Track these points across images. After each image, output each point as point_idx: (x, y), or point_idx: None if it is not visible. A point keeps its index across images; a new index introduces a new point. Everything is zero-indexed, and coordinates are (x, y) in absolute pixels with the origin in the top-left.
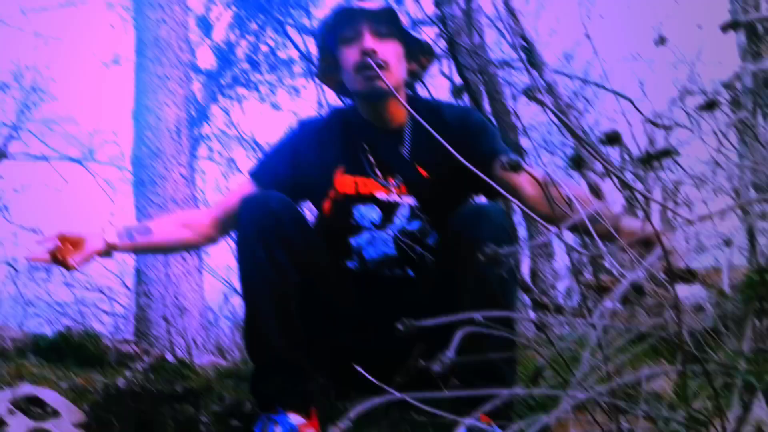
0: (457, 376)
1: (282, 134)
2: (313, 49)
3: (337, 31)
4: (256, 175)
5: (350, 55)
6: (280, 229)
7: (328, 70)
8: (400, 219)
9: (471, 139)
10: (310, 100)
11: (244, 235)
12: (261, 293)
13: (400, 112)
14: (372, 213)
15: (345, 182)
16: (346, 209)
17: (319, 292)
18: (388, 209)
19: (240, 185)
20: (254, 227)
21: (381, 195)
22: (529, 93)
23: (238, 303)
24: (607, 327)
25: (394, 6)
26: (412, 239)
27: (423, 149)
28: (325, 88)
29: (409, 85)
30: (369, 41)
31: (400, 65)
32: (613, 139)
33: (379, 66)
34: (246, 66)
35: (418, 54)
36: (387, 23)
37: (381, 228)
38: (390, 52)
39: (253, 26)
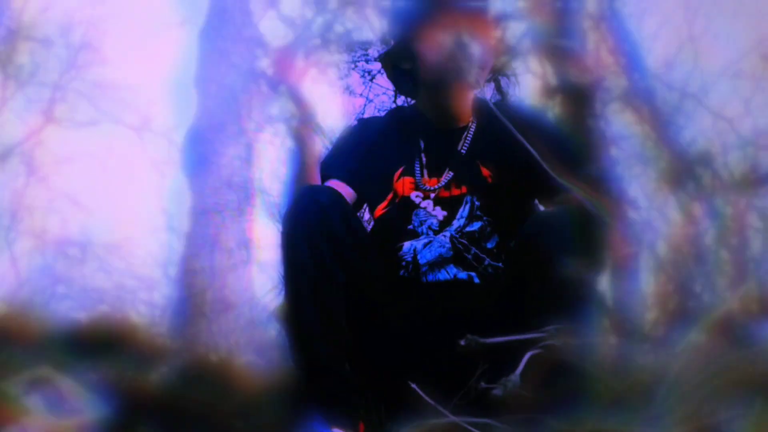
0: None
1: (343, 129)
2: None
3: (430, 16)
4: (335, 175)
5: (435, 48)
6: (328, 224)
7: (396, 53)
8: (458, 220)
9: (542, 141)
10: (385, 87)
11: (287, 229)
12: (302, 293)
13: (464, 111)
14: (431, 217)
15: (406, 184)
16: (404, 213)
17: (369, 298)
18: (448, 210)
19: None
20: (299, 221)
21: (441, 196)
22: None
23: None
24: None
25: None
26: (471, 240)
27: (486, 148)
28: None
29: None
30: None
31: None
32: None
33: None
34: (318, 43)
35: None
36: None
37: (438, 233)
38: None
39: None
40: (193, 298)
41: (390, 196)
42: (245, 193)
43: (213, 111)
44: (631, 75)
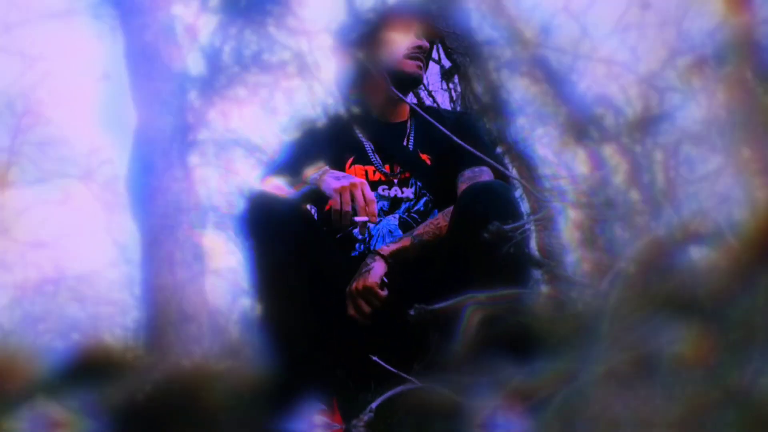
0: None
1: (281, 135)
2: (305, 48)
3: (395, 18)
4: (279, 172)
5: (406, 43)
6: (286, 225)
7: (364, 44)
8: (407, 202)
9: (465, 134)
10: (304, 101)
11: (251, 236)
12: (272, 289)
13: (403, 108)
14: (383, 200)
15: (356, 172)
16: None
17: (329, 283)
18: (396, 195)
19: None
20: (261, 227)
21: (388, 182)
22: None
23: (247, 304)
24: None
25: None
26: (419, 214)
27: (425, 140)
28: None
29: None
30: (424, 39)
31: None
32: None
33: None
34: (236, 70)
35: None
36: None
37: (389, 213)
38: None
39: (233, 31)
40: (159, 314)
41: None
42: (191, 213)
43: (147, 150)
44: (516, 47)
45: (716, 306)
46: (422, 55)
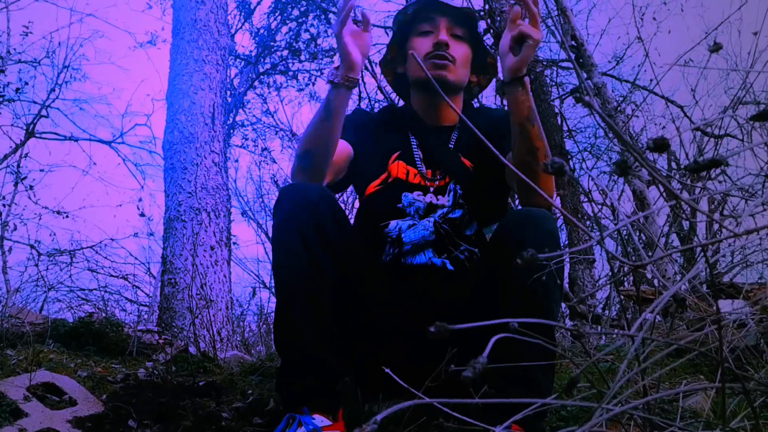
0: (491, 383)
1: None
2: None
3: (414, 23)
4: None
5: (422, 45)
6: (319, 221)
7: (393, 61)
8: (443, 208)
9: (508, 137)
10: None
11: (281, 225)
12: (295, 286)
13: (451, 113)
14: (419, 201)
15: (399, 167)
16: (395, 193)
17: (354, 289)
18: (431, 202)
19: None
20: (292, 217)
21: (429, 186)
22: (577, 94)
23: (266, 297)
24: (646, 339)
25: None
26: (452, 226)
27: (468, 145)
28: (367, 79)
29: (465, 100)
30: (444, 35)
31: (466, 68)
32: (660, 146)
33: (448, 60)
34: (285, 53)
35: (482, 67)
36: (464, 25)
37: (424, 217)
38: (460, 52)
39: (295, 12)
40: (177, 295)
41: (384, 176)
42: (220, 195)
43: (185, 123)
44: (579, 70)
45: (740, 365)
46: (444, 51)
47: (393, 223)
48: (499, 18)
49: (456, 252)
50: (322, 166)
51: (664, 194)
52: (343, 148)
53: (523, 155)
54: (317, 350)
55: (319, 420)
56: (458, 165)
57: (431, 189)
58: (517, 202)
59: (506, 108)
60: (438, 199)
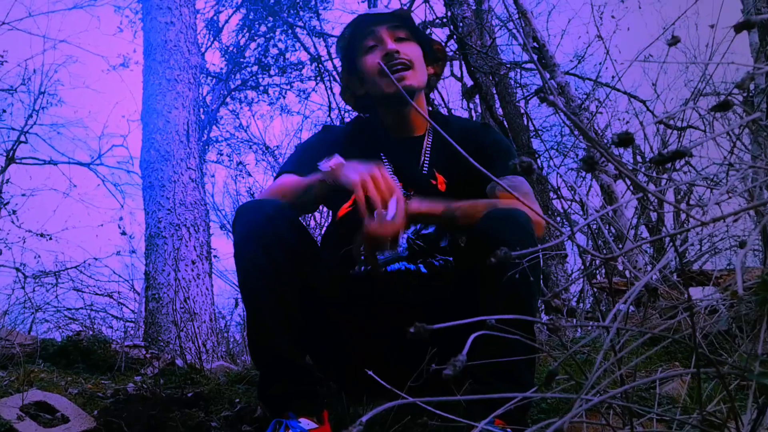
0: (473, 379)
1: (293, 138)
2: (323, 51)
3: (358, 42)
4: (291, 171)
5: (372, 60)
6: (278, 232)
7: (350, 86)
8: (414, 225)
9: (485, 152)
10: (320, 102)
11: (242, 240)
12: (262, 297)
13: (420, 121)
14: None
15: None
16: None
17: (323, 294)
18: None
19: (282, 179)
20: (252, 232)
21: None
22: (541, 94)
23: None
24: (620, 330)
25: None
26: (426, 241)
27: (441, 159)
28: (336, 90)
29: (426, 93)
30: (391, 44)
31: (422, 66)
32: (625, 140)
33: (406, 66)
34: (255, 69)
35: (433, 59)
36: (404, 27)
37: None
38: (411, 53)
39: (263, 29)
40: (161, 310)
41: (353, 198)
42: (199, 211)
43: (160, 141)
44: (542, 71)
45: (714, 350)
46: (395, 61)
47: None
48: (461, 24)
49: (430, 260)
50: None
51: (631, 187)
52: None
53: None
54: (293, 355)
55: (306, 423)
56: (427, 184)
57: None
58: None
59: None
60: None
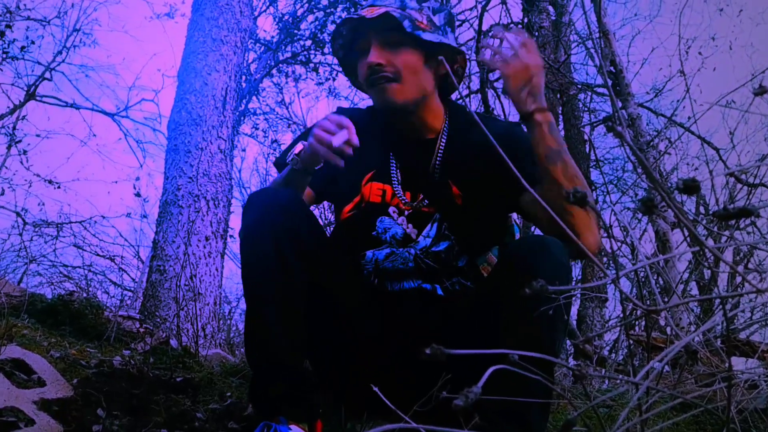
0: (481, 413)
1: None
2: None
3: (353, 43)
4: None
5: (361, 69)
6: (290, 223)
7: (357, 83)
8: (425, 239)
9: (514, 156)
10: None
11: (250, 228)
12: (265, 289)
13: (433, 121)
14: (396, 228)
15: (373, 189)
16: (369, 219)
17: (332, 299)
18: (416, 226)
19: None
20: (262, 220)
21: (407, 211)
22: (609, 123)
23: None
24: (651, 389)
25: (398, 12)
26: (437, 260)
27: (457, 163)
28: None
29: (449, 91)
30: (374, 55)
31: (416, 75)
32: (691, 187)
33: (390, 79)
34: (308, 43)
35: (444, 57)
36: (393, 31)
37: (403, 245)
38: (402, 61)
39: (324, 2)
40: (164, 283)
41: (357, 199)
42: (222, 184)
43: (194, 103)
44: (616, 98)
45: (747, 428)
46: (380, 74)
47: (369, 254)
48: (536, 33)
49: (447, 283)
50: None
51: (688, 239)
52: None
53: (551, 197)
54: (291, 358)
55: (296, 431)
56: (443, 194)
57: (406, 213)
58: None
59: (514, 120)
60: (415, 229)
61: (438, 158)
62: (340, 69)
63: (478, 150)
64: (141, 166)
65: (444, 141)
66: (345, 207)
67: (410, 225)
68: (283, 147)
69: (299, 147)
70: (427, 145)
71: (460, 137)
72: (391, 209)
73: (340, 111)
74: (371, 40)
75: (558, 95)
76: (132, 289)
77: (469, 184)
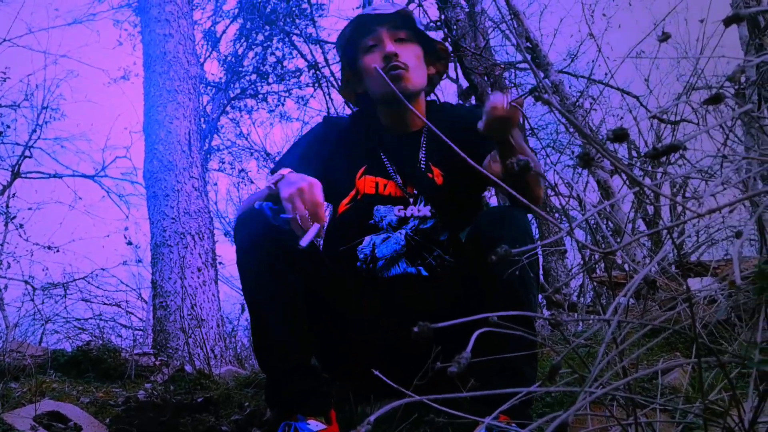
0: (477, 376)
1: (303, 131)
2: (320, 58)
3: (358, 41)
4: (289, 166)
5: (372, 61)
6: (277, 239)
7: (350, 83)
8: (414, 219)
9: (477, 136)
10: (318, 109)
11: (243, 248)
12: (265, 302)
13: (416, 117)
14: (390, 214)
15: (367, 182)
16: (366, 209)
17: (327, 298)
18: (405, 212)
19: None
20: (252, 239)
21: (399, 198)
22: (536, 93)
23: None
24: (621, 322)
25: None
26: (425, 237)
27: (437, 152)
28: (334, 96)
29: (427, 91)
30: (390, 46)
31: (421, 69)
32: (620, 136)
33: (403, 68)
34: (254, 77)
35: (435, 58)
36: (405, 27)
37: (397, 229)
38: (410, 55)
39: (260, 38)
40: (169, 317)
41: (353, 193)
42: (203, 219)
43: (163, 152)
44: (536, 70)
45: (714, 339)
46: (392, 63)
47: (367, 239)
48: (455, 27)
49: (429, 258)
50: None
51: (627, 182)
52: None
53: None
54: (298, 358)
55: (314, 424)
56: (424, 179)
57: (411, 201)
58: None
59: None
60: (411, 212)
61: (423, 148)
62: (287, 95)
63: (452, 137)
64: (127, 217)
65: (425, 133)
66: (342, 201)
67: (403, 210)
68: (250, 176)
69: (278, 175)
70: (413, 138)
71: (438, 127)
72: (388, 206)
73: (327, 121)
74: (382, 35)
75: (485, 77)
76: (141, 328)
77: (448, 166)
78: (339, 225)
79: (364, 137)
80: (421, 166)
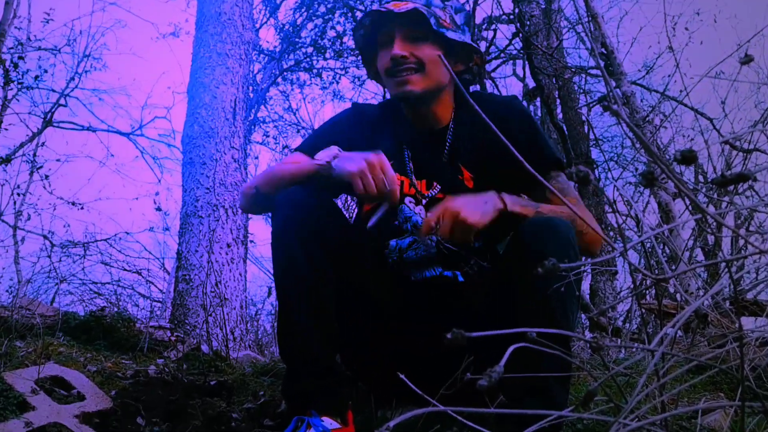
0: (505, 392)
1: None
2: None
3: (375, 34)
4: (307, 152)
5: (383, 59)
6: (317, 224)
7: (376, 75)
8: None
9: (513, 130)
10: (374, 91)
11: (279, 230)
12: (296, 290)
13: (444, 113)
14: (415, 217)
15: None
16: (390, 209)
17: (359, 293)
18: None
19: (293, 157)
20: (290, 222)
21: (424, 200)
22: (605, 103)
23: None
24: (666, 354)
25: (425, 9)
26: (458, 245)
27: (465, 150)
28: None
29: (465, 86)
30: (398, 47)
31: (438, 67)
32: (688, 158)
33: (412, 69)
34: (310, 50)
35: (462, 54)
36: (420, 24)
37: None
38: (425, 53)
39: (321, 9)
40: (191, 292)
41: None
42: (239, 192)
43: (205, 117)
44: (609, 78)
45: (761, 384)
46: (403, 65)
47: (392, 243)
48: (528, 22)
49: (466, 267)
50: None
51: (689, 207)
52: None
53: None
54: (321, 354)
55: (328, 423)
56: (454, 180)
57: (423, 202)
58: None
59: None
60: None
61: (447, 145)
62: (343, 73)
63: (483, 133)
64: (159, 181)
65: (452, 129)
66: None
67: (424, 210)
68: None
69: (330, 152)
70: (438, 134)
71: (468, 123)
72: (407, 199)
73: (357, 108)
74: (395, 32)
75: (554, 80)
76: (160, 300)
77: (479, 166)
78: (364, 224)
79: (391, 130)
80: (446, 163)
